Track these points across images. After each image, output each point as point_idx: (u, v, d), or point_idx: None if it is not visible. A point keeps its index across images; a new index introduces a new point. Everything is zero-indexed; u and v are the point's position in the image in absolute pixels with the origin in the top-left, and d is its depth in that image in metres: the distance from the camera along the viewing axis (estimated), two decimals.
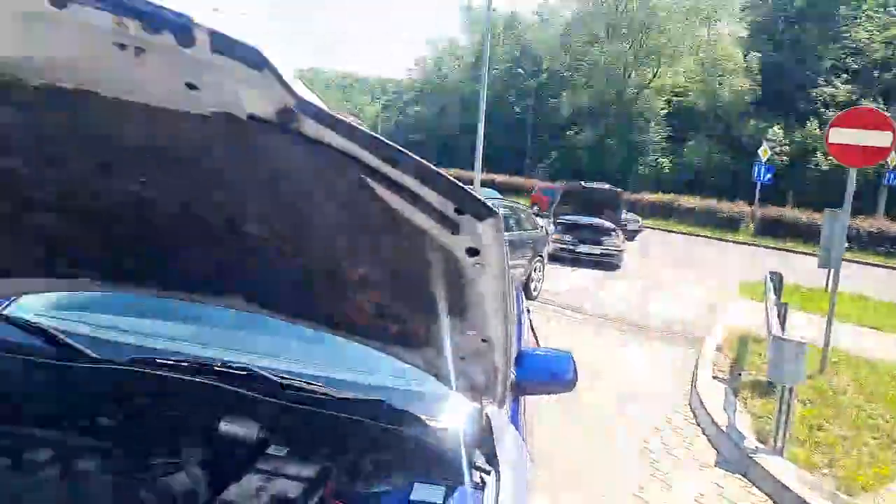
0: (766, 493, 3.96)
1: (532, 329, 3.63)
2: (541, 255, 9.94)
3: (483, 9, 16.82)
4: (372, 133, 0.90)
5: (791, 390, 4.52)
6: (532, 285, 9.56)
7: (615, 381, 6.02)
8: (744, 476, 4.25)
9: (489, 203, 0.97)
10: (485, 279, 1.09)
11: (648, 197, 30.86)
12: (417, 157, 0.93)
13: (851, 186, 6.60)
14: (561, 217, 14.39)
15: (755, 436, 4.87)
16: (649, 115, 41.88)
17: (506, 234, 5.14)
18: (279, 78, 0.79)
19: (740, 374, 6.37)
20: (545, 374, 2.20)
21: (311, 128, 0.88)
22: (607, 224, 14.02)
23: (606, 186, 15.27)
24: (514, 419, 1.99)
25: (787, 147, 34.89)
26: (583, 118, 44.82)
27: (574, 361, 2.24)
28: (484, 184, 23.73)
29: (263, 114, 0.86)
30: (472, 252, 1.04)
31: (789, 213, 25.01)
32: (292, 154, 0.94)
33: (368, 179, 0.95)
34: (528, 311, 4.05)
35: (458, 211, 0.97)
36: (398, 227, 1.03)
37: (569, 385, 2.16)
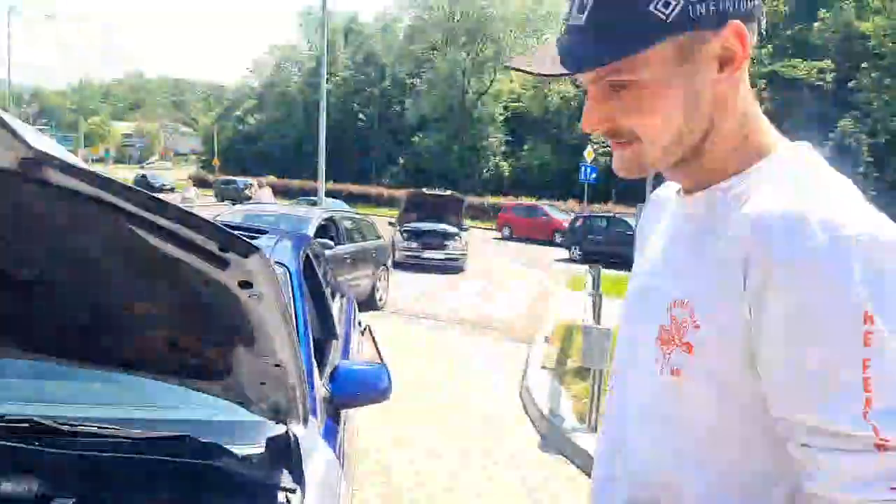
0: (579, 467, 4.47)
1: (374, 342, 3.76)
2: (385, 265, 10.21)
3: (324, 13, 16.88)
4: (125, 183, 0.95)
5: (601, 372, 5.12)
6: (378, 295, 9.79)
7: (455, 379, 6.41)
8: (562, 454, 4.75)
9: (249, 241, 1.04)
10: (263, 308, 1.16)
11: (491, 200, 32.36)
12: (175, 204, 0.99)
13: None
14: (406, 225, 14.80)
15: (575, 417, 5.44)
16: (489, 120, 43.90)
17: (350, 246, 5.42)
18: (13, 132, 0.79)
19: (565, 363, 7.03)
20: (360, 386, 2.28)
21: (58, 178, 0.90)
22: (450, 229, 14.61)
23: (448, 192, 15.92)
24: (330, 435, 2.05)
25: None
26: (427, 124, 46.00)
27: (388, 372, 2.36)
28: (330, 194, 23.67)
29: (6, 166, 0.87)
30: (246, 285, 1.10)
31: (613, 209, 27.38)
32: (47, 204, 0.97)
33: (130, 225, 1.00)
34: (364, 326, 4.23)
35: (223, 249, 1.02)
36: (171, 266, 1.09)
37: (384, 395, 2.26)
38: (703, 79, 0.78)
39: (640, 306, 0.91)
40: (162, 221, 0.99)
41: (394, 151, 47.54)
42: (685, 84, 0.78)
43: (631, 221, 18.21)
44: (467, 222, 16.07)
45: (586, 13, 0.77)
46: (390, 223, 15.51)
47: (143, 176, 41.69)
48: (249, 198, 18.15)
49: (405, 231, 14.63)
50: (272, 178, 33.97)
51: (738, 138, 0.82)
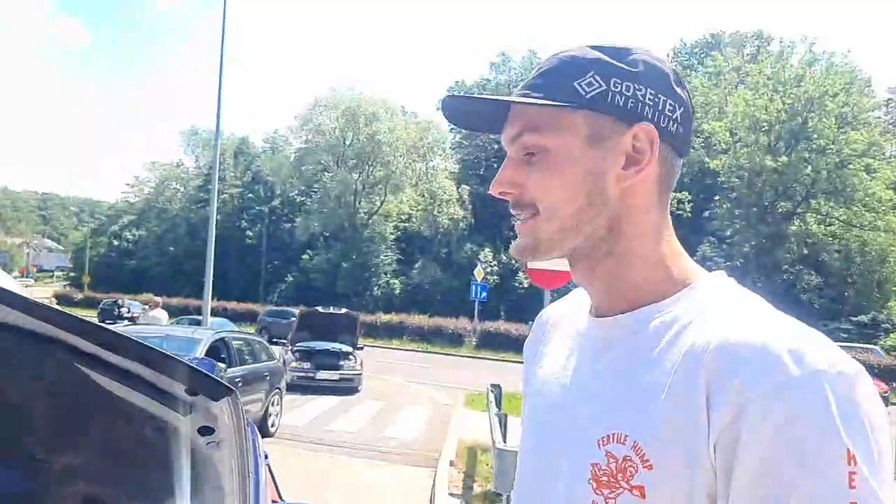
0: None
1: (271, 475, 3.48)
2: (278, 388, 9.69)
3: (209, 132, 16.88)
4: (83, 318, 0.88)
5: None
6: (270, 420, 9.20)
7: None
8: None
9: (224, 382, 0.97)
10: (220, 456, 1.07)
11: (383, 317, 32.17)
12: (140, 342, 0.91)
13: (547, 303, 7.73)
14: (298, 344, 14.28)
15: None
16: (379, 239, 44.58)
17: (242, 368, 5.08)
18: None
19: (472, 487, 6.79)
20: None
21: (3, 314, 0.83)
22: (344, 348, 14.24)
23: (343, 310, 15.65)
24: None
25: (497, 267, 39.60)
26: (317, 242, 45.99)
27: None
28: (215, 313, 22.65)
29: None
30: (206, 431, 1.02)
31: (503, 326, 27.97)
32: None
33: (77, 364, 0.91)
34: (266, 455, 3.91)
35: (191, 392, 0.95)
36: (116, 412, 1.00)
37: None
38: (609, 168, 0.79)
39: (554, 438, 0.83)
40: (121, 360, 0.90)
41: (282, 269, 46.83)
42: (592, 166, 0.79)
43: None
44: (361, 340, 15.77)
45: (525, 83, 0.82)
46: (280, 343, 14.90)
47: (115, 302, 33.86)
48: (128, 318, 16.96)
49: (297, 350, 14.09)
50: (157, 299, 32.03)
51: (656, 258, 0.81)
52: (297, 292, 42.18)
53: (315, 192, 47.43)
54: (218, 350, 8.35)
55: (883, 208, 35.08)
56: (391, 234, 45.15)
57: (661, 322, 0.77)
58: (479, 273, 27.70)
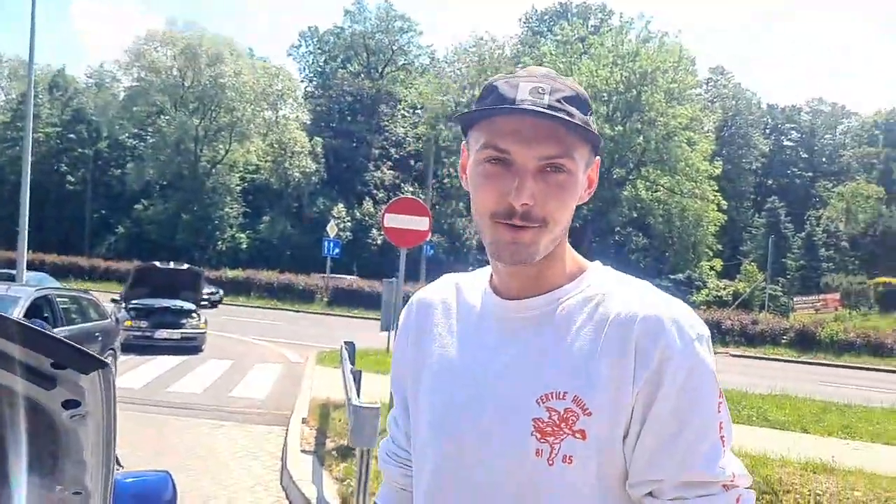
0: None
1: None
2: (112, 349, 8.98)
3: (16, 61, 14.73)
4: None
5: (369, 451, 5.02)
6: None
7: (209, 476, 5.75)
8: None
9: (95, 355, 0.93)
10: (84, 430, 1.02)
11: (229, 273, 30.80)
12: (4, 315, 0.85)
13: (403, 262, 7.79)
14: (134, 301, 13.29)
15: (340, 500, 5.22)
16: (224, 190, 42.25)
17: (70, 328, 4.66)
18: None
19: (324, 443, 6.77)
20: (142, 500, 2.03)
21: None
22: (187, 305, 13.48)
23: (185, 266, 14.73)
24: None
25: (350, 223, 39.24)
26: (152, 191, 42.66)
27: (172, 479, 2.10)
28: (32, 267, 20.43)
29: None
30: (71, 404, 0.97)
31: (356, 283, 27.94)
32: None
33: None
34: None
35: (57, 366, 0.91)
36: None
37: None
38: (581, 190, 0.95)
39: (477, 406, 0.95)
40: None
41: (111, 219, 42.99)
42: (579, 189, 0.94)
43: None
44: (220, 290, 15.01)
45: (548, 99, 0.89)
46: (113, 300, 13.79)
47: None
48: None
49: (133, 308, 13.13)
50: None
51: (563, 253, 0.98)
52: (130, 245, 39.09)
53: (149, 135, 43.75)
54: (40, 309, 7.55)
55: (700, 178, 39.08)
56: (237, 185, 42.95)
57: (574, 301, 0.95)
58: (331, 229, 27.29)
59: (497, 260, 0.95)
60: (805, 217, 48.15)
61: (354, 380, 6.80)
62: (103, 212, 43.89)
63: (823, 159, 62.81)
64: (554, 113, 0.87)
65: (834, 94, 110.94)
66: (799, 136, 64.81)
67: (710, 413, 0.89)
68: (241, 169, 43.77)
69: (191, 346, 13.03)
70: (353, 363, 8.03)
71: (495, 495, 0.92)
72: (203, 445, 6.85)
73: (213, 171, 42.82)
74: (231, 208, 42.00)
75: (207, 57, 42.34)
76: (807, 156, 62.79)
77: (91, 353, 0.93)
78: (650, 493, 0.89)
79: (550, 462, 0.88)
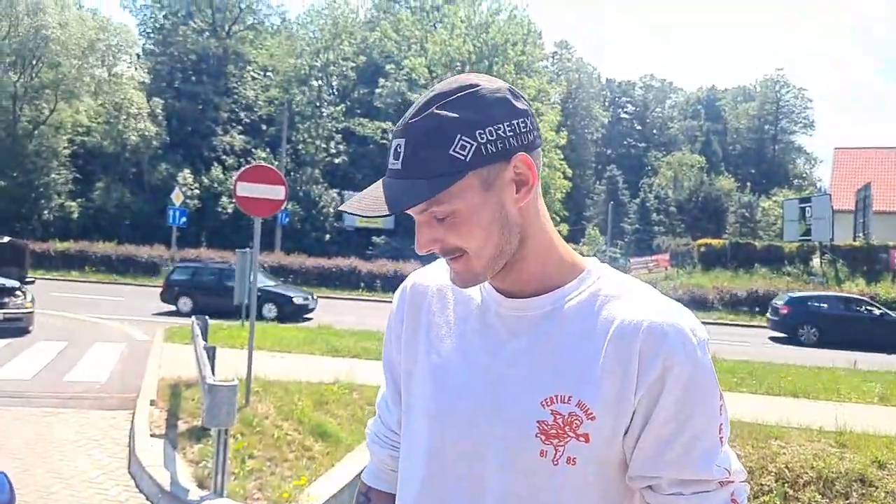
0: None
1: None
2: None
3: None
4: None
5: (226, 432, 4.84)
6: None
7: (48, 469, 5.26)
8: None
9: None
10: None
11: (58, 246, 27.97)
12: None
13: (258, 232, 7.47)
14: None
15: (196, 483, 5.02)
16: (49, 154, 38.01)
17: None
18: None
19: (176, 425, 6.44)
20: None
21: None
22: (9, 283, 12.10)
23: (5, 239, 13.19)
24: None
25: (197, 191, 36.95)
26: None
27: (7, 478, 1.90)
28: None
29: None
30: None
31: (205, 254, 26.48)
32: None
33: None
34: None
35: None
36: None
37: None
38: (506, 199, 0.93)
39: (480, 402, 0.96)
40: None
41: None
42: (493, 205, 0.93)
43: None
44: (31, 273, 13.57)
45: (401, 160, 0.90)
46: None
47: None
48: None
49: None
50: None
51: (550, 251, 0.98)
52: None
53: None
54: None
55: (548, 147, 40.97)
56: (65, 148, 38.76)
57: (578, 302, 0.96)
58: (177, 197, 25.63)
59: None
60: (639, 185, 52.35)
61: (208, 356, 6.50)
62: None
63: (654, 131, 68.30)
64: (395, 184, 0.91)
65: (663, 71, 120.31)
66: (633, 109, 69.88)
67: (709, 416, 0.92)
68: (70, 131, 39.47)
69: (15, 328, 11.74)
70: (205, 339, 7.66)
71: (496, 493, 0.94)
72: (37, 436, 6.26)
73: (36, 132, 38.26)
74: (58, 174, 37.88)
75: (27, 5, 37.43)
76: (640, 128, 67.98)
77: None
78: (649, 487, 0.94)
79: (555, 462, 0.91)
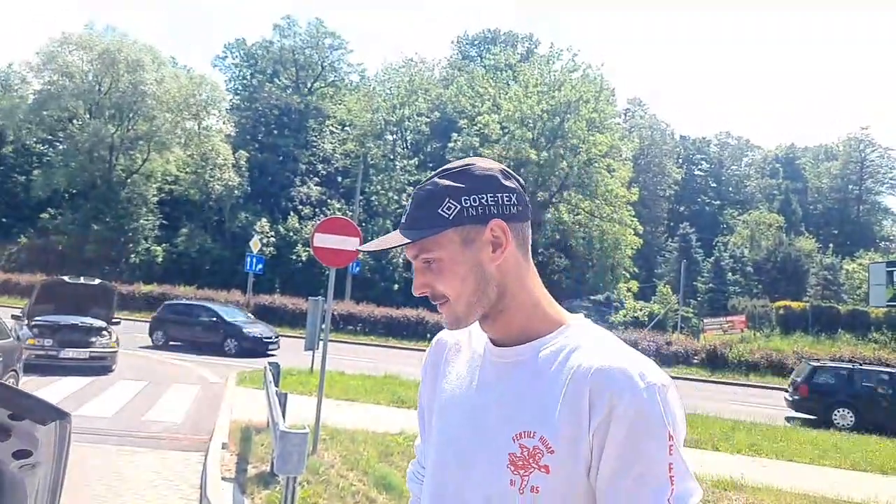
0: None
1: None
2: (13, 369, 8.41)
3: None
4: None
5: (296, 479, 4.90)
6: None
7: None
8: None
9: (56, 406, 0.92)
10: (32, 480, 1.01)
11: (143, 288, 29.45)
12: None
13: (332, 281, 7.68)
14: (38, 318, 12.51)
15: None
16: (140, 201, 40.47)
17: None
18: None
19: (246, 469, 6.56)
20: None
21: None
22: (97, 323, 12.80)
23: (96, 281, 14.00)
24: None
25: (274, 239, 38.39)
26: (60, 200, 40.34)
27: None
28: None
29: None
30: (23, 454, 0.97)
31: (278, 300, 27.29)
32: None
33: None
34: None
35: (15, 417, 0.91)
36: None
37: None
38: (483, 257, 1.12)
39: (468, 438, 1.12)
40: None
41: (13, 228, 40.34)
42: (471, 260, 1.12)
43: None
44: (117, 314, 14.31)
45: (406, 215, 1.14)
46: (14, 316, 12.94)
47: None
48: None
49: (37, 325, 12.36)
50: None
51: (535, 307, 1.14)
52: (34, 256, 36.77)
53: (60, 142, 41.45)
54: None
55: (618, 203, 40.60)
56: (154, 196, 41.18)
57: (550, 352, 1.10)
58: (255, 244, 26.63)
59: None
60: (714, 243, 50.79)
61: (280, 402, 6.62)
62: (4, 220, 41.16)
63: (730, 189, 66.58)
64: (400, 234, 1.13)
65: (740, 128, 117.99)
66: (708, 166, 68.52)
67: (655, 455, 1.00)
68: (160, 179, 42.02)
69: (100, 367, 12.36)
70: (277, 384, 7.82)
71: None
72: (114, 474, 6.50)
73: (129, 180, 40.93)
74: (146, 220, 40.20)
75: (127, 63, 40.62)
76: (715, 185, 66.42)
77: (52, 404, 0.91)
78: None
79: (521, 491, 1.03)
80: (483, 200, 1.11)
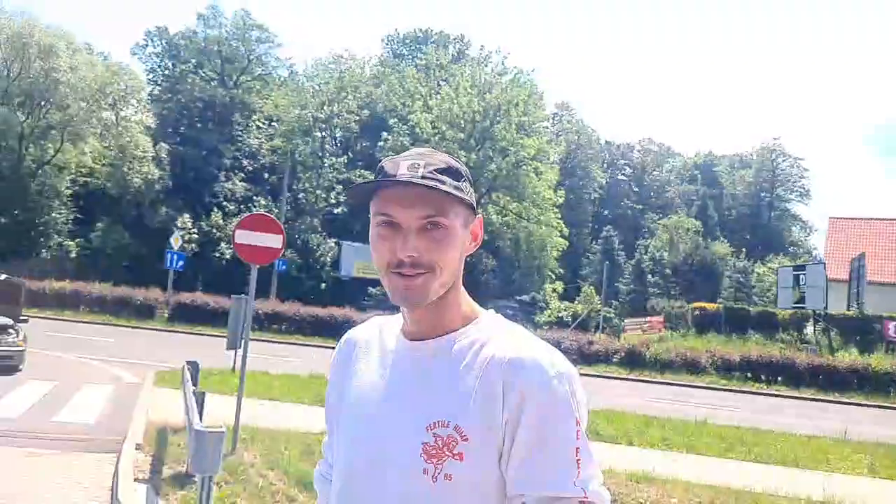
0: None
1: None
2: None
3: None
4: None
5: (211, 479, 4.82)
6: None
7: None
8: None
9: None
10: None
11: (54, 285, 27.91)
12: None
13: (254, 279, 7.57)
14: None
15: None
16: (52, 193, 38.33)
17: None
18: None
19: (161, 471, 6.39)
20: None
21: None
22: (3, 320, 12.10)
23: (2, 276, 13.25)
24: None
25: (196, 235, 37.14)
26: None
27: None
28: None
29: None
30: None
31: (200, 298, 26.42)
32: None
33: None
34: None
35: None
36: None
37: None
38: (467, 243, 1.17)
39: (380, 430, 1.13)
40: None
41: None
42: (461, 241, 1.15)
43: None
44: (25, 311, 13.57)
45: (421, 170, 1.09)
46: None
47: None
48: None
49: None
50: None
51: (458, 299, 1.18)
52: None
53: None
54: None
55: (545, 205, 41.52)
56: (67, 188, 39.09)
57: (462, 345, 1.14)
58: (175, 240, 25.75)
59: (395, 303, 1.14)
60: (635, 245, 52.69)
61: (197, 402, 6.47)
62: None
63: (651, 194, 69.15)
64: (425, 182, 1.08)
65: (662, 135, 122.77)
66: (631, 171, 70.94)
67: (564, 439, 1.05)
68: (74, 171, 39.90)
69: (6, 366, 11.68)
70: (196, 384, 7.62)
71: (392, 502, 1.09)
72: (19, 477, 6.20)
73: (40, 172, 38.69)
74: (59, 213, 38.13)
75: (39, 48, 38.33)
76: (637, 190, 68.82)
77: None
78: None
79: (434, 479, 1.06)
80: (473, 192, 1.17)
